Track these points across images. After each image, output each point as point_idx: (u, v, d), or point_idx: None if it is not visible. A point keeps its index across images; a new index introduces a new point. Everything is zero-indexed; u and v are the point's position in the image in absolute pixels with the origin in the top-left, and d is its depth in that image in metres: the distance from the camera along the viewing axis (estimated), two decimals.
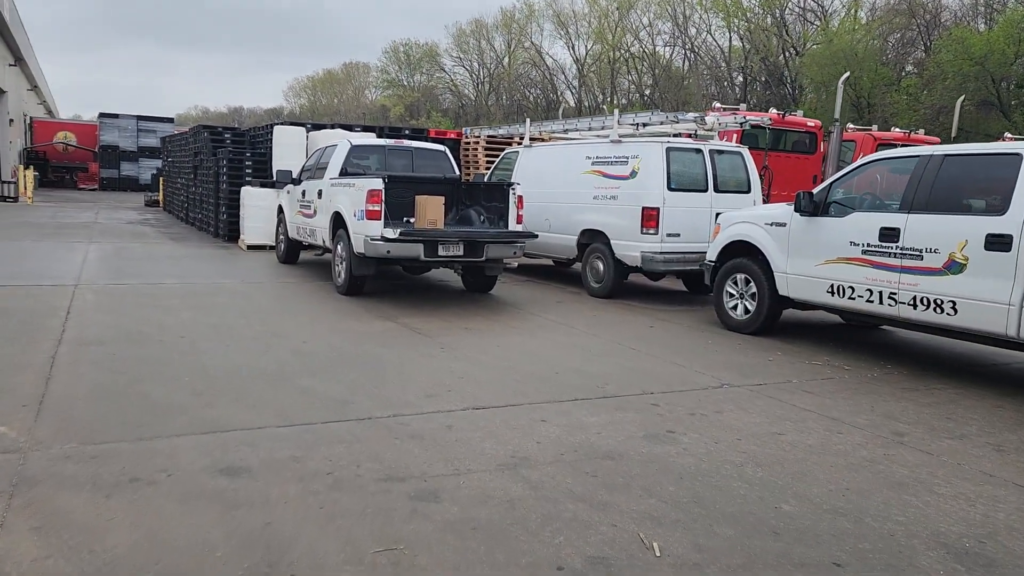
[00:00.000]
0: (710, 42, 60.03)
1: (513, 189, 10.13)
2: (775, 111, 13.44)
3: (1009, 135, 18.52)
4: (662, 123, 10.78)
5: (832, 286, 7.68)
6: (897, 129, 18.12)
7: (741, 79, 57.13)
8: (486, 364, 6.83)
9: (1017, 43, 42.12)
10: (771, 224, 8.39)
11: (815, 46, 51.63)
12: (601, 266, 11.02)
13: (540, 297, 10.97)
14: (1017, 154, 6.36)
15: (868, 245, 7.32)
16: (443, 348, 7.37)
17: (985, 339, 6.63)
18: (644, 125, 10.90)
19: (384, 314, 9.00)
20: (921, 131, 17.86)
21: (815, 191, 7.91)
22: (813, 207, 7.85)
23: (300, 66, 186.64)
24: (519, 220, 10.12)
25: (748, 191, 10.90)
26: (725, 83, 57.02)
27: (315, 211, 11.36)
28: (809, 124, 14.95)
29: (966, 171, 6.83)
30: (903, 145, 16.55)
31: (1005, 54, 42.17)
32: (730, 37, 58.62)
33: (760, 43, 55.30)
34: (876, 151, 16.35)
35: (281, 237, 13.54)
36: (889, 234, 7.12)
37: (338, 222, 10.25)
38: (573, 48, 67.41)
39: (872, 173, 8.00)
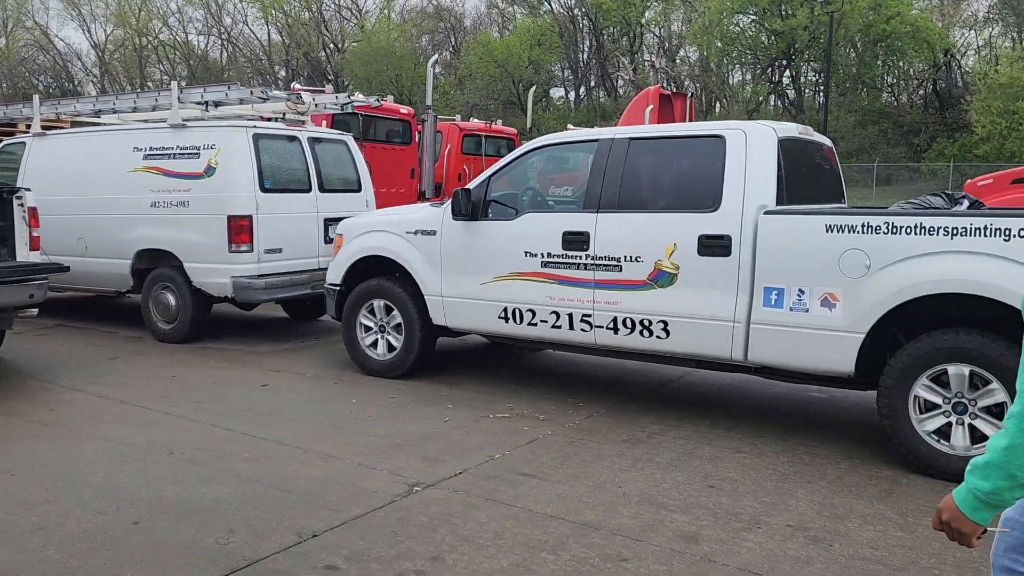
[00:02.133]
0: (248, 33, 56.98)
1: (19, 198, 6.61)
2: (360, 96, 11.54)
3: (571, 126, 19.26)
4: (242, 101, 8.11)
5: (506, 310, 5.95)
6: (476, 119, 17.59)
7: (284, 73, 55.24)
8: None
9: (530, 48, 46.83)
10: (415, 233, 6.38)
11: (355, 44, 52.12)
12: (173, 300, 7.98)
13: (83, 354, 7.56)
14: (719, 136, 5.21)
15: (549, 256, 5.71)
16: None
17: (707, 364, 5.42)
18: (217, 104, 8.13)
19: None
20: (499, 121, 17.56)
21: (472, 187, 6.09)
22: (472, 209, 6.01)
23: None
24: (34, 245, 6.65)
25: (359, 190, 8.78)
26: (268, 77, 54.62)
27: None
28: (402, 111, 13.36)
29: (661, 158, 5.55)
30: (487, 136, 15.98)
31: (521, 58, 46.72)
32: (268, 30, 56.34)
33: (301, 38, 54.11)
34: (462, 142, 15.51)
35: None
36: (575, 240, 5.58)
37: None
38: (90, 31, 58.52)
39: (539, 163, 6.44)
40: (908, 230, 4.42)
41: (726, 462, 4.69)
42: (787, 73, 44.35)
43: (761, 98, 45.37)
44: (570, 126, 18.99)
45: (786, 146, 5.20)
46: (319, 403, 5.89)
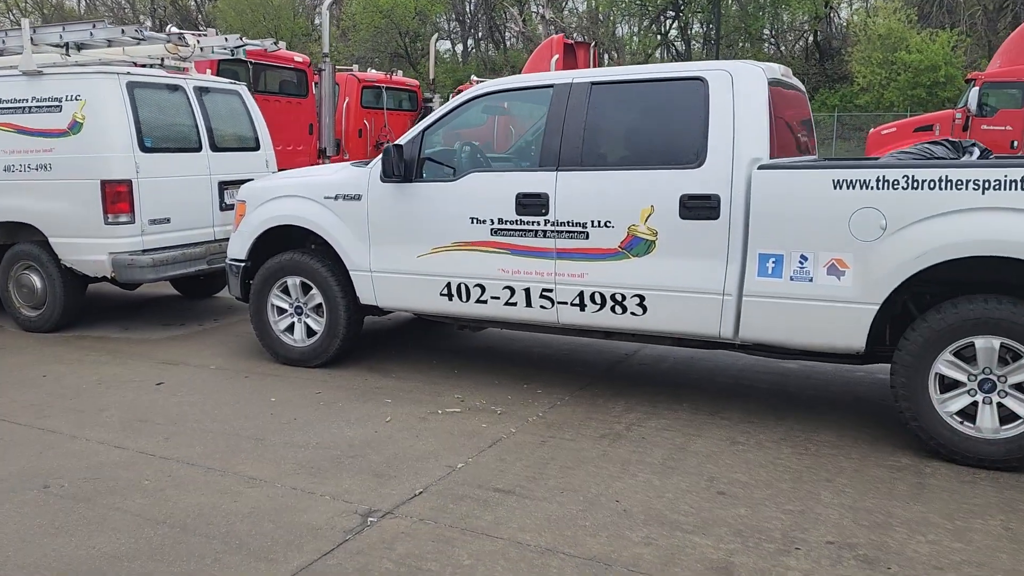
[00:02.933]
0: None
1: None
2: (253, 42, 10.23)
3: (475, 78, 18.21)
4: (111, 42, 6.79)
5: (450, 286, 5.11)
6: (374, 71, 16.35)
7: (150, 24, 51.32)
8: None
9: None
10: (336, 198, 5.41)
11: None
12: (39, 282, 6.72)
13: None
14: (699, 79, 4.49)
15: (500, 222, 4.89)
16: None
17: (688, 342, 4.76)
18: (80, 47, 6.79)
19: None
20: (399, 72, 16.37)
21: (404, 142, 5.16)
22: (405, 169, 5.10)
23: None
24: None
25: (256, 148, 7.65)
26: (133, 26, 50.45)
27: None
28: (297, 60, 12.04)
29: (630, 106, 4.77)
30: (388, 88, 14.83)
31: (408, 8, 44.97)
32: None
33: None
34: (361, 95, 14.32)
35: None
36: (532, 204, 4.78)
37: None
38: None
39: (482, 114, 5.56)
40: (932, 184, 3.84)
41: (725, 458, 4.07)
42: (675, 24, 44.35)
43: (650, 51, 45.28)
44: (474, 78, 17.99)
45: (773, 89, 4.53)
46: (230, 405, 4.92)
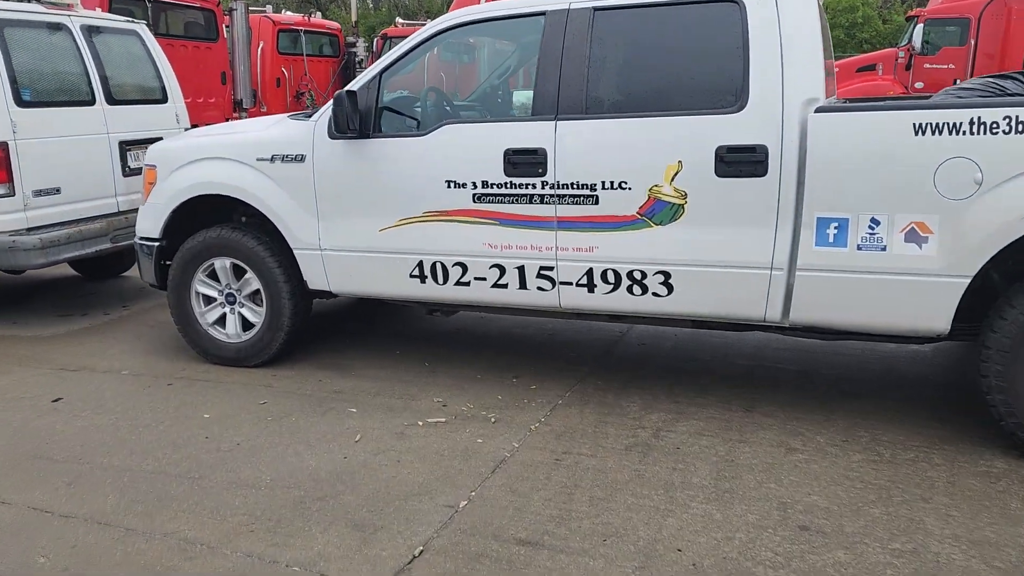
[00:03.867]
0: None
1: None
2: None
3: (401, 21, 16.86)
4: None
5: (422, 266, 4.16)
6: (289, 12, 14.86)
7: None
8: None
9: None
10: (272, 159, 4.35)
11: None
12: None
13: None
14: (733, 2, 3.59)
15: (486, 186, 3.94)
16: None
17: (718, 325, 3.95)
18: None
19: None
20: (317, 14, 14.93)
21: (357, 87, 4.13)
22: (360, 121, 4.08)
23: None
24: None
25: (164, 99, 6.42)
26: None
27: None
28: None
29: (646, 37, 3.84)
30: (307, 32, 13.45)
31: None
32: None
33: None
34: (277, 39, 12.92)
35: None
36: (525, 162, 3.84)
37: None
38: None
39: (454, 51, 4.55)
40: None
41: (788, 473, 3.30)
42: None
43: None
44: (399, 21, 16.67)
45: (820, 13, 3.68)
46: (152, 428, 3.89)
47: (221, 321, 4.70)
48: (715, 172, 3.54)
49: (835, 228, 3.42)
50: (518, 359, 4.75)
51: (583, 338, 5.14)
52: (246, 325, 4.65)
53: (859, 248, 3.39)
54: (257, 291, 4.56)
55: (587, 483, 3.25)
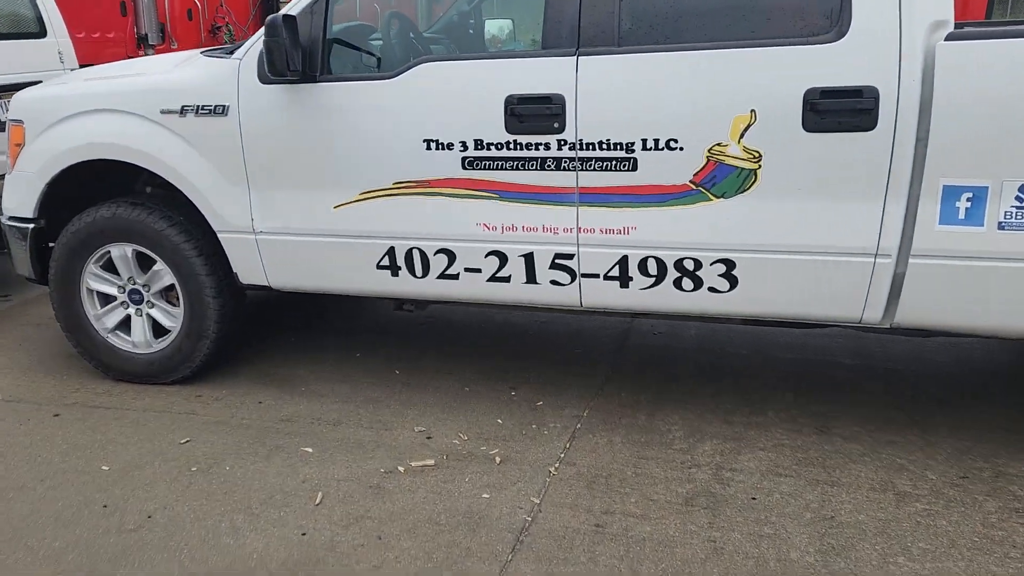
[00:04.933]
0: None
1: None
2: None
3: None
4: None
5: (394, 254, 3.13)
6: None
7: None
8: None
9: None
10: (183, 112, 3.20)
11: None
12: None
13: None
14: None
15: (480, 147, 2.90)
16: None
17: (795, 323, 3.04)
18: None
19: None
20: None
21: (297, 11, 3.00)
22: (304, 59, 2.97)
23: None
24: None
25: (41, 33, 5.11)
26: None
27: None
28: None
29: None
30: None
31: None
32: None
33: None
34: None
35: None
36: (536, 114, 2.81)
37: None
38: None
39: None
40: None
41: (915, 538, 2.44)
42: None
43: None
44: None
45: None
46: (28, 491, 2.80)
47: (124, 325, 3.60)
48: (803, 125, 2.58)
49: (969, 200, 2.51)
50: (511, 361, 3.79)
51: (585, 327, 4.20)
52: (159, 331, 3.56)
53: (1001, 227, 2.50)
54: (171, 287, 3.47)
55: (650, 566, 2.33)
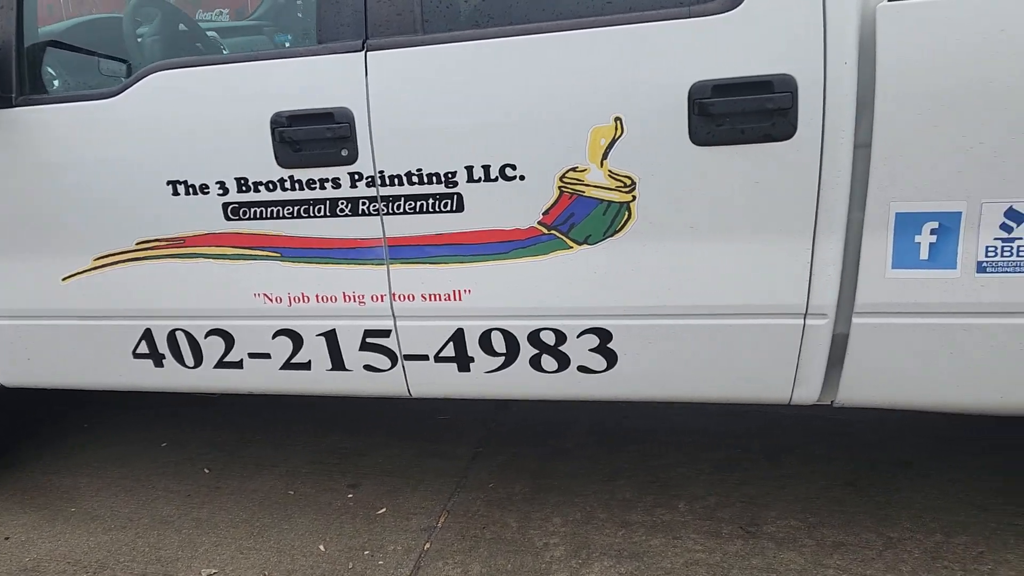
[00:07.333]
0: None
1: None
2: None
3: None
4: None
5: (152, 338, 2.24)
6: None
7: None
8: None
9: None
10: None
11: None
12: None
13: None
14: None
15: (245, 186, 2.02)
16: None
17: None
18: None
19: None
20: None
21: None
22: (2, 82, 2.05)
23: None
24: None
25: None
26: None
27: None
28: None
29: None
30: None
31: None
32: None
33: None
34: None
35: None
36: (313, 136, 1.93)
37: None
38: None
39: None
40: None
41: None
42: None
43: None
44: None
45: None
46: None
47: None
48: (690, 136, 1.76)
49: (933, 232, 1.73)
50: (358, 440, 2.95)
51: None
52: None
53: (982, 269, 1.72)
54: None
55: None
